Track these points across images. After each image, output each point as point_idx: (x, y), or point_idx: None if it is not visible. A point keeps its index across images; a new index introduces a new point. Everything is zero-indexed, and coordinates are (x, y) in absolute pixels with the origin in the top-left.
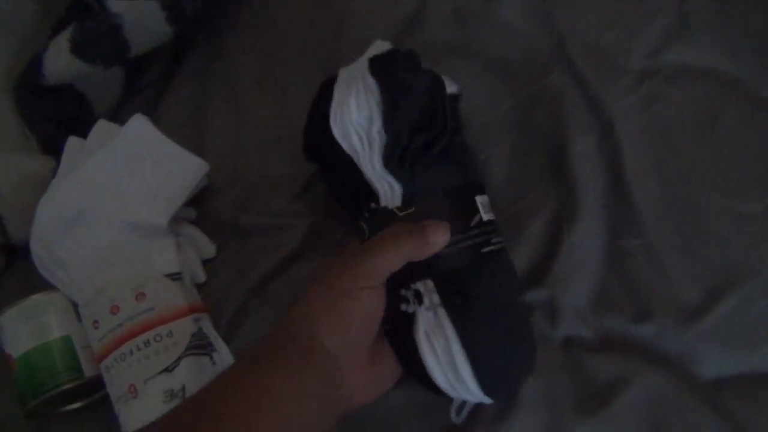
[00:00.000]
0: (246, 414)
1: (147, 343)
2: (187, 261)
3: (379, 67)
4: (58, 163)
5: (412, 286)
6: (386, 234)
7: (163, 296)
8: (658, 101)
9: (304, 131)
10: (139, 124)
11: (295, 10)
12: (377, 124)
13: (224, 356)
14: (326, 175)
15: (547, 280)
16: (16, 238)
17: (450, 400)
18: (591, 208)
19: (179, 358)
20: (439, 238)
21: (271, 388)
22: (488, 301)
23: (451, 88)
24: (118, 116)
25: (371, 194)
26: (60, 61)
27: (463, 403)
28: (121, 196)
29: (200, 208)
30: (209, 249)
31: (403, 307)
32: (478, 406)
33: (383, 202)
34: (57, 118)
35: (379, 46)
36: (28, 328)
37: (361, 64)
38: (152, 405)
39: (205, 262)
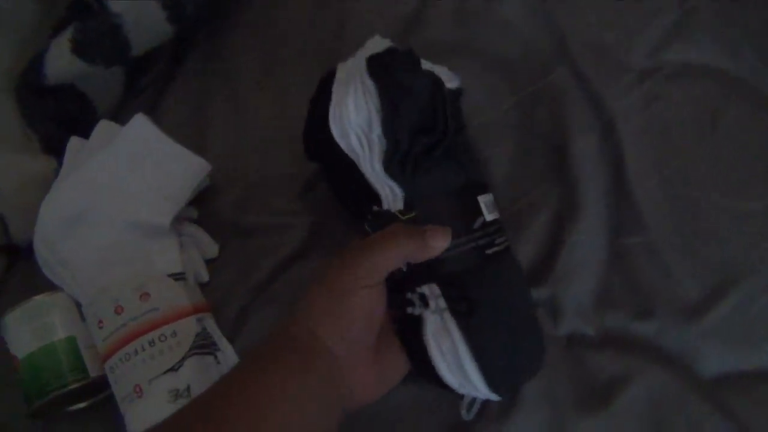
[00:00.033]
0: (246, 414)
1: (152, 343)
2: (190, 261)
3: (377, 67)
4: (59, 163)
5: (418, 289)
6: (386, 233)
7: (167, 296)
8: (659, 100)
9: (304, 130)
10: (140, 123)
11: (295, 10)
12: (377, 130)
13: (228, 356)
14: (328, 175)
15: (549, 279)
16: (18, 238)
17: (458, 396)
18: (592, 207)
19: (184, 358)
20: (438, 243)
21: (271, 388)
22: (493, 303)
23: (452, 83)
24: (119, 116)
25: (373, 195)
26: (61, 61)
27: (473, 400)
28: (123, 195)
29: (201, 208)
30: (212, 249)
31: (410, 310)
32: (483, 404)
33: (385, 205)
34: (58, 118)
35: (377, 43)
36: (32, 329)
37: (359, 62)
38: (157, 405)
39: (207, 262)
